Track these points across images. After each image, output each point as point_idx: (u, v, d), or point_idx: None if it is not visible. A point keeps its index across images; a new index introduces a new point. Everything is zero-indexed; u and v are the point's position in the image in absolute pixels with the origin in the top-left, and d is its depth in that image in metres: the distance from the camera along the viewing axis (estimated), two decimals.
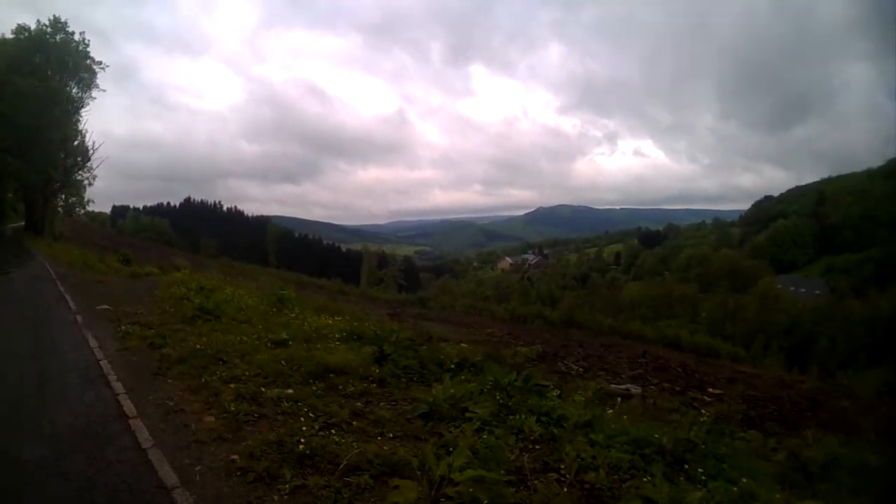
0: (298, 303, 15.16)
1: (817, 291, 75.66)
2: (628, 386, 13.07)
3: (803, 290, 75.22)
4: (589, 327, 43.17)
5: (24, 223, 53.71)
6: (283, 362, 8.49)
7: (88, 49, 49.21)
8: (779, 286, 70.98)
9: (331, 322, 12.04)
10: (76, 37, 48.44)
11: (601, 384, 11.53)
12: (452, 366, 9.14)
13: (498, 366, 9.36)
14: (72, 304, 14.52)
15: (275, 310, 13.56)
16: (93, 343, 10.18)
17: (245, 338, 9.96)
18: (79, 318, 12.56)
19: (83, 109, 50.07)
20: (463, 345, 12.12)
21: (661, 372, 18.17)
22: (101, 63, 50.18)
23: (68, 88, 48.59)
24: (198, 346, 9.25)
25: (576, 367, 16.44)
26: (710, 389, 15.42)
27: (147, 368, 8.61)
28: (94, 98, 50.40)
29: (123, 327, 11.20)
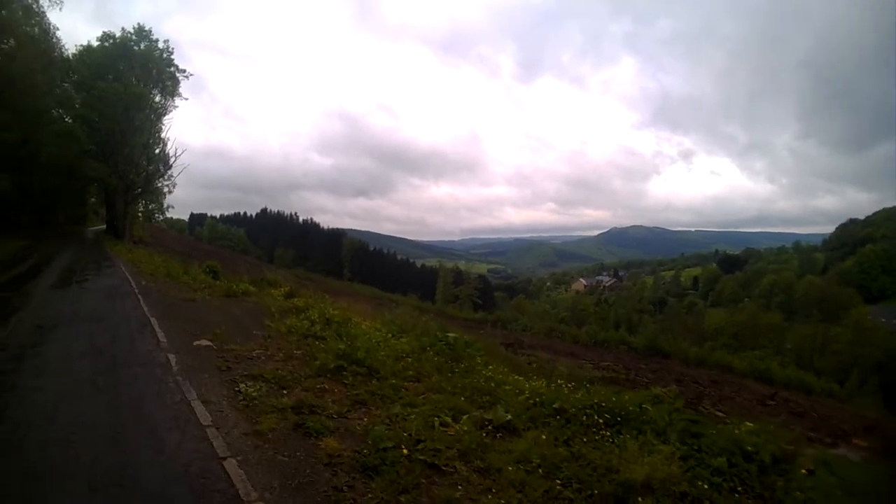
0: (474, 348, 11.56)
1: None
2: None
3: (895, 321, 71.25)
4: (675, 356, 42.29)
5: (104, 226, 54.51)
6: (540, 472, 5.43)
7: (172, 57, 49.07)
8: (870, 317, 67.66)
9: (530, 384, 9.24)
10: (160, 44, 48.38)
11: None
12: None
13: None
14: (160, 333, 11.14)
15: (446, 360, 10.28)
16: (203, 416, 6.54)
17: (445, 417, 6.69)
18: (173, 359, 9.05)
19: (165, 117, 49.98)
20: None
21: (797, 417, 17.48)
22: (184, 71, 50.23)
23: (152, 95, 48.34)
24: (380, 434, 5.90)
25: (720, 414, 14.74)
26: (855, 441, 14.80)
27: (313, 487, 5.01)
28: (177, 106, 50.56)
29: (243, 386, 7.71)
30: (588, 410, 7.35)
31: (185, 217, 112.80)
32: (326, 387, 8.11)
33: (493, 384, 8.80)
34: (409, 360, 10.10)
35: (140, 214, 55.53)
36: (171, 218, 78.62)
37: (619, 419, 7.22)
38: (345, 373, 8.80)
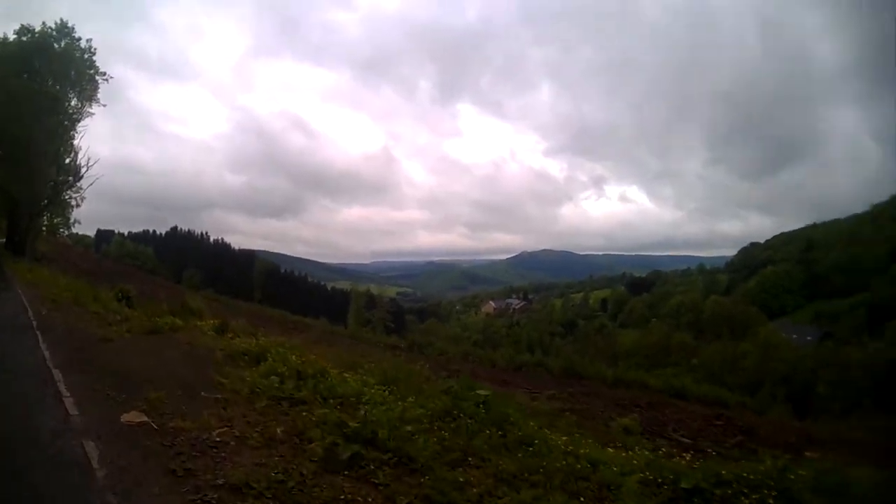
0: (512, 409, 9.11)
1: (809, 337, 74.50)
2: None
3: (795, 336, 73.18)
4: (592, 377, 41.99)
5: (3, 241, 48.21)
6: None
7: (94, 58, 44.95)
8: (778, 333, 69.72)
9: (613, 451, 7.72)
10: (82, 44, 44.34)
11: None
12: None
13: None
14: (69, 398, 7.83)
15: (485, 427, 7.63)
16: None
17: None
18: (93, 453, 5.83)
19: (80, 123, 45.90)
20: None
21: (747, 434, 17.14)
22: (105, 74, 46.12)
23: (68, 98, 44.58)
24: None
25: (685, 440, 14.18)
26: (807, 454, 14.40)
27: None
28: (93, 113, 46.19)
29: None
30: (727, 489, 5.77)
31: (92, 233, 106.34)
32: (349, 493, 5.27)
33: (580, 462, 6.68)
34: (444, 433, 7.32)
35: (44, 228, 51.31)
36: (77, 233, 73.15)
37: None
38: (364, 463, 5.99)
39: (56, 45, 43.62)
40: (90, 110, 46.23)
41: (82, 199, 47.65)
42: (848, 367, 49.57)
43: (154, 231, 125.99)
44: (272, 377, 9.38)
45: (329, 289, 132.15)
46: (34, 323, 14.37)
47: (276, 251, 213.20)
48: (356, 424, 6.85)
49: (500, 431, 7.62)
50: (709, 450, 12.81)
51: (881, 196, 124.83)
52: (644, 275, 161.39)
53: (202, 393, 8.64)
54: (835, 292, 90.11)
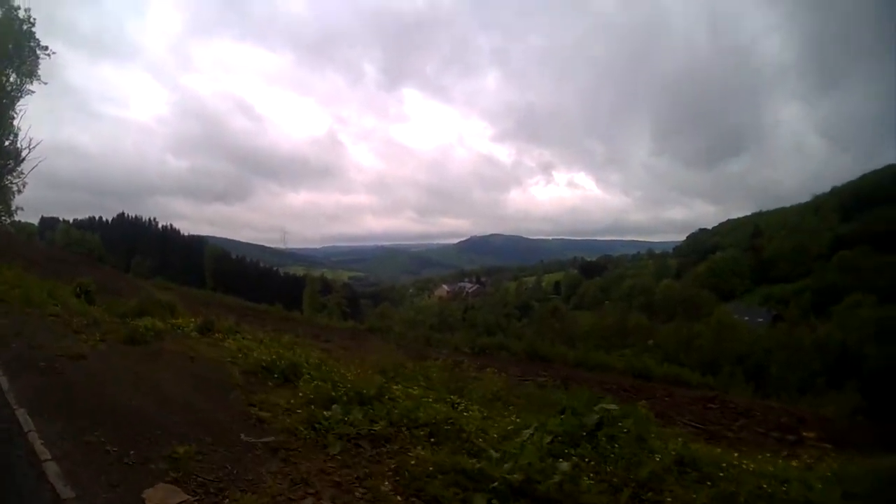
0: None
1: (760, 319, 76.21)
2: None
3: (746, 317, 74.78)
4: (554, 360, 42.11)
5: None
6: None
7: (33, 30, 40.34)
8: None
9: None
10: (20, 13, 39.87)
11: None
12: None
13: None
14: (54, 470, 5.12)
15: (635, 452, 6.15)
16: None
17: None
18: None
19: (19, 102, 41.40)
20: None
21: (744, 417, 17.04)
22: (46, 48, 41.22)
23: (6, 74, 40.08)
24: None
25: (698, 426, 13.66)
26: (805, 434, 14.39)
27: None
28: (33, 91, 41.61)
29: None
30: None
31: (35, 221, 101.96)
32: None
33: (766, 481, 5.82)
34: (591, 462, 5.84)
35: None
36: (20, 221, 68.50)
37: None
38: None
39: None
40: (30, 88, 41.82)
41: (24, 184, 43.72)
42: (800, 349, 51.47)
43: (100, 218, 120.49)
44: (334, 406, 7.11)
45: (281, 274, 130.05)
46: None
47: (223, 237, 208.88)
48: (479, 467, 5.36)
49: (651, 453, 6.32)
50: (728, 434, 12.69)
51: (823, 188, 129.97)
52: (594, 259, 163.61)
53: (243, 437, 6.30)
54: (781, 277, 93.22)
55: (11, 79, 40.93)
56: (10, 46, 39.77)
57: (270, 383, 8.68)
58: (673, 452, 6.36)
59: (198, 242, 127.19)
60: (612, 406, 7.15)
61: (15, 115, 41.53)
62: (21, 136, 41.58)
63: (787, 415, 17.09)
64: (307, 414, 6.84)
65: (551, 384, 19.52)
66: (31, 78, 41.32)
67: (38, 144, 41.66)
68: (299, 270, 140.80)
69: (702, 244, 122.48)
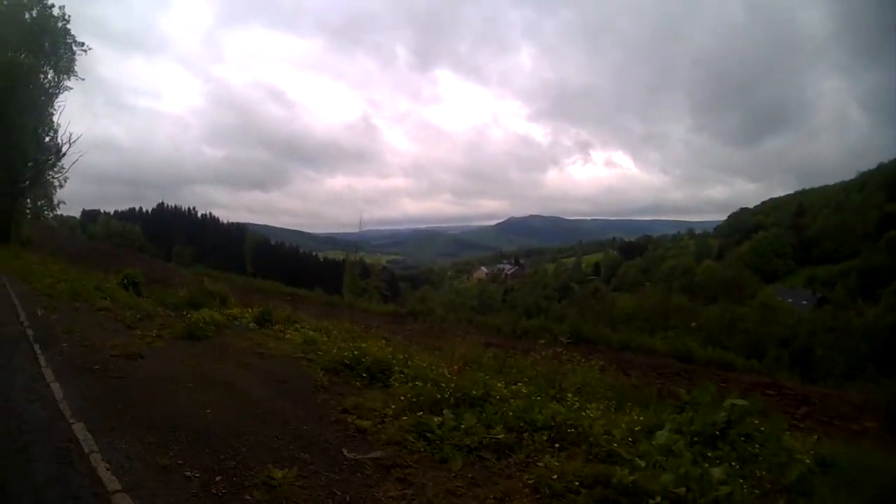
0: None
1: (804, 301, 74.84)
2: None
3: (790, 300, 73.15)
4: (598, 342, 42.22)
5: None
6: None
7: (69, 27, 40.95)
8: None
9: None
10: (55, 11, 40.30)
11: None
12: None
13: None
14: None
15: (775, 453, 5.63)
16: None
17: None
18: None
19: (58, 99, 42.10)
20: None
21: (805, 404, 16.98)
22: (83, 44, 41.90)
23: (44, 71, 40.96)
24: None
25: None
26: (867, 424, 14.33)
27: None
28: (71, 87, 42.36)
29: None
30: None
31: (77, 214, 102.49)
32: None
33: None
34: (734, 465, 5.28)
35: (28, 211, 47.48)
36: (62, 215, 69.15)
37: None
38: None
39: (27, 14, 40.00)
40: (68, 84, 42.61)
41: (65, 178, 45.02)
42: (848, 332, 50.71)
43: (140, 208, 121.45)
44: (444, 411, 6.34)
45: (321, 259, 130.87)
46: (29, 332, 10.65)
47: (262, 223, 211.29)
48: (632, 479, 4.71)
49: (790, 453, 5.74)
50: (794, 423, 11.78)
51: (868, 164, 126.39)
52: (633, 239, 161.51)
53: (346, 452, 5.46)
54: (825, 258, 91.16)
55: (49, 76, 41.78)
56: (47, 44, 40.63)
57: (357, 383, 7.98)
58: (812, 452, 5.94)
59: (237, 230, 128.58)
60: (741, 401, 6.45)
61: (54, 112, 42.45)
62: (60, 131, 42.46)
63: (844, 402, 17.24)
64: (414, 421, 6.03)
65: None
66: (68, 74, 42.16)
67: (77, 139, 42.55)
68: (340, 255, 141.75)
69: (743, 224, 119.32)
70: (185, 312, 13.45)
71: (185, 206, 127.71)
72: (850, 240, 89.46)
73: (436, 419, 6.07)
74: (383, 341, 11.87)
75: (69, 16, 41.12)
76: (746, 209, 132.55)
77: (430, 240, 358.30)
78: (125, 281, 19.26)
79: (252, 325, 12.99)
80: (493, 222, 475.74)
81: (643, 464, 5.10)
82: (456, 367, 8.22)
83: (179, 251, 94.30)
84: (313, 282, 74.58)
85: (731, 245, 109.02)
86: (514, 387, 7.58)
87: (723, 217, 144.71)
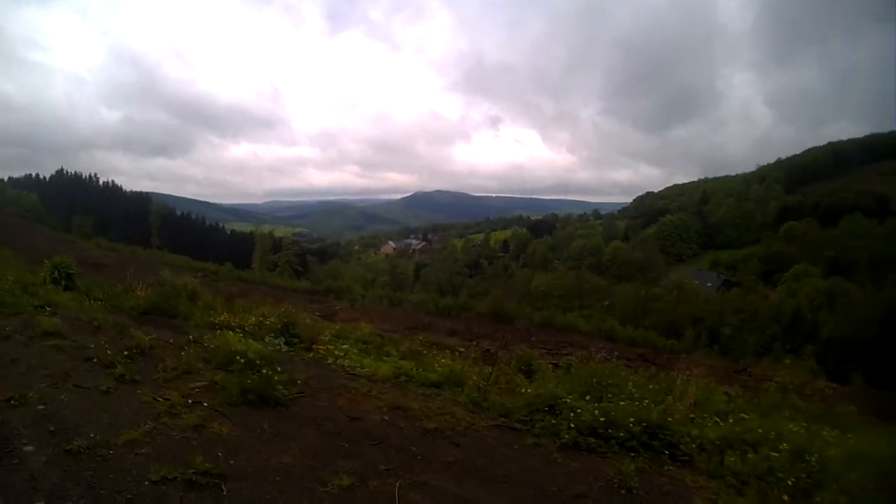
0: None
1: (709, 284, 77.00)
2: None
3: (696, 281, 72.76)
4: (518, 319, 41.63)
5: None
6: None
7: None
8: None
9: None
10: None
11: None
12: None
13: None
14: None
15: None
16: None
17: None
18: None
19: None
20: None
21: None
22: None
23: None
24: None
25: None
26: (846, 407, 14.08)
27: None
28: None
29: None
30: None
31: None
32: None
33: None
34: None
35: None
36: None
37: None
38: None
39: None
40: None
41: None
42: (756, 314, 52.99)
43: (37, 175, 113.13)
44: None
45: (228, 231, 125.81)
46: None
47: (166, 192, 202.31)
48: None
49: None
50: None
51: (767, 158, 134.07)
52: (540, 217, 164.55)
53: None
54: (727, 244, 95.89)
55: None
56: None
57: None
58: None
59: (141, 199, 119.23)
60: None
61: None
62: None
63: (810, 385, 17.10)
64: None
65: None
66: None
67: None
68: (244, 227, 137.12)
69: (649, 207, 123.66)
70: (191, 338, 8.50)
71: (85, 174, 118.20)
72: (751, 228, 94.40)
73: None
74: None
75: None
76: (652, 193, 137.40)
77: (336, 213, 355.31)
78: (56, 274, 13.24)
79: (279, 345, 9.12)
80: (400, 196, 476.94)
81: None
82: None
83: (81, 221, 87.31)
84: (222, 255, 71.53)
85: (637, 227, 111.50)
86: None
87: (626, 199, 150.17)
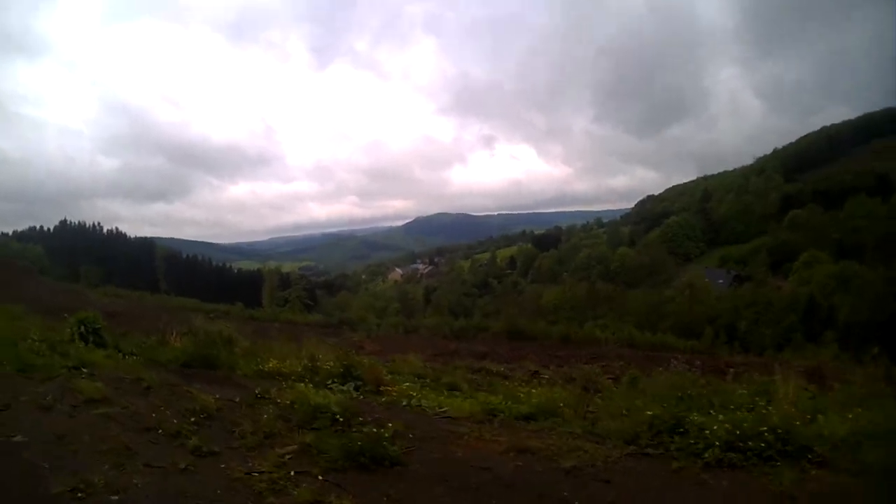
0: None
1: (720, 280, 76.76)
2: None
3: (707, 279, 73.16)
4: (538, 336, 41.58)
5: None
6: None
7: None
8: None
9: None
10: None
11: None
12: None
13: None
14: None
15: None
16: None
17: None
18: None
19: None
20: None
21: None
22: None
23: None
24: None
25: None
26: None
27: None
28: None
29: None
30: None
31: None
32: None
33: None
34: None
35: None
36: None
37: None
38: None
39: None
40: None
41: None
42: (770, 306, 52.71)
43: (41, 227, 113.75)
44: None
45: (235, 270, 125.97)
46: None
47: (167, 236, 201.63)
48: None
49: None
50: None
51: (764, 149, 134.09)
52: (543, 231, 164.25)
53: None
54: (733, 238, 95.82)
55: None
56: None
57: None
58: None
59: (145, 244, 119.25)
60: None
61: None
62: None
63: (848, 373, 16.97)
64: None
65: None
66: None
67: None
68: (249, 265, 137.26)
69: (651, 211, 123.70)
70: (257, 394, 8.05)
71: (89, 223, 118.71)
72: (755, 220, 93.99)
73: None
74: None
75: None
76: (653, 196, 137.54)
77: (339, 244, 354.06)
78: (82, 329, 12.26)
79: (349, 390, 8.50)
80: (401, 222, 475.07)
81: None
82: None
83: (89, 271, 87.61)
84: (231, 295, 71.53)
85: (641, 232, 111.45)
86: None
87: (625, 205, 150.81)
